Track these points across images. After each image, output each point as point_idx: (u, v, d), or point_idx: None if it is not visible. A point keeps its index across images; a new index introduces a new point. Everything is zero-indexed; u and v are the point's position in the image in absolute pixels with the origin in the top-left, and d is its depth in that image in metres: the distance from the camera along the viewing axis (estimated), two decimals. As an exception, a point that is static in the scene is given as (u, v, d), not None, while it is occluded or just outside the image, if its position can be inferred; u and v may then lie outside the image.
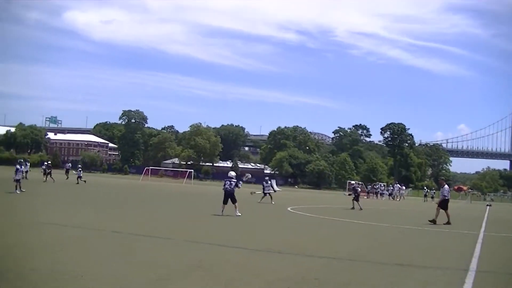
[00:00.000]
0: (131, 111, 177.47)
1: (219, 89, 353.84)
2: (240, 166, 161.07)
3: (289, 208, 34.62)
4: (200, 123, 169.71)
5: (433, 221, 27.19)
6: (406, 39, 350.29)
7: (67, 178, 64.46)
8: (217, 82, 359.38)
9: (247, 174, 39.44)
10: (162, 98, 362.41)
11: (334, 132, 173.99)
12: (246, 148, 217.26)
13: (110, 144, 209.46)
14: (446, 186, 29.43)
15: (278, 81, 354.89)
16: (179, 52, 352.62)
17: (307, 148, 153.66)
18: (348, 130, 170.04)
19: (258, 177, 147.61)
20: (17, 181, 33.68)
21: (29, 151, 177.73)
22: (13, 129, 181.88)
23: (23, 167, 37.14)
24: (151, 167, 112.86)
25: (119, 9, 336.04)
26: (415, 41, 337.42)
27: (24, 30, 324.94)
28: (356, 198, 40.34)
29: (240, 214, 24.75)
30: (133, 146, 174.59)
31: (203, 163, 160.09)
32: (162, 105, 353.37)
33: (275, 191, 42.47)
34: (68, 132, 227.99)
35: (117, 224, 18.51)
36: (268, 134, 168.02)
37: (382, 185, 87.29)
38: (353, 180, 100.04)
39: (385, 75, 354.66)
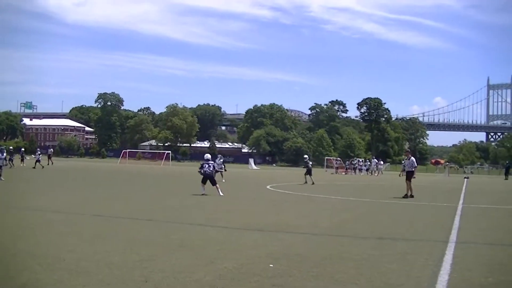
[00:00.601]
0: (107, 93, 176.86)
1: (194, 68, 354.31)
2: (217, 145, 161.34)
3: (268, 186, 34.83)
4: (177, 104, 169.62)
5: (406, 196, 27.21)
6: (381, 12, 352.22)
7: (52, 163, 64.73)
8: (192, 61, 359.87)
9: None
10: (138, 79, 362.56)
11: (311, 109, 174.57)
12: (223, 128, 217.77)
13: (87, 128, 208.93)
14: (412, 158, 29.12)
15: (253, 58, 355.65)
16: (153, 32, 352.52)
17: (284, 125, 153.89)
18: (325, 106, 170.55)
19: (236, 156, 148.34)
20: None
21: (4, 137, 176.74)
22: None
23: (5, 154, 37.07)
24: (128, 150, 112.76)
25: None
26: (389, 14, 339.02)
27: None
28: (309, 172, 40.98)
29: (222, 195, 25.16)
30: (110, 129, 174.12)
31: (181, 144, 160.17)
32: (138, 87, 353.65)
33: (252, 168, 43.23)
34: (44, 117, 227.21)
35: (97, 207, 18.54)
36: (244, 113, 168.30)
37: (360, 160, 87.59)
38: (331, 157, 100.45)
39: (360, 50, 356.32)
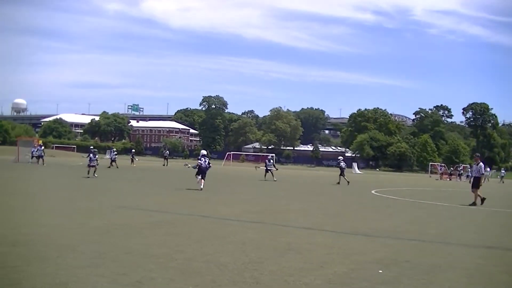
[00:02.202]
0: (211, 96, 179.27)
1: (297, 72, 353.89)
2: (320, 149, 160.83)
3: (373, 191, 34.47)
4: (280, 107, 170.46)
5: (482, 200, 25.68)
6: (486, 15, 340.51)
7: (166, 165, 66.22)
8: (296, 65, 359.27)
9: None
10: (242, 82, 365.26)
11: (415, 114, 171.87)
12: (327, 131, 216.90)
13: (191, 130, 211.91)
14: (481, 163, 27.24)
15: (356, 62, 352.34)
16: (257, 36, 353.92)
17: (388, 130, 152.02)
18: (429, 111, 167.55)
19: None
20: (92, 166, 36.19)
21: (112, 138, 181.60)
22: (97, 118, 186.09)
23: (97, 156, 38.47)
24: (232, 152, 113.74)
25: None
26: (496, 16, 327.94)
27: (104, 21, 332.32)
28: (342, 173, 43.64)
29: (202, 188, 27.88)
30: (214, 131, 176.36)
31: (284, 147, 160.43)
32: (241, 90, 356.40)
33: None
34: (149, 119, 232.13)
35: (204, 209, 18.79)
36: (348, 117, 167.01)
37: (468, 166, 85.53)
38: (436, 162, 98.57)
39: (465, 54, 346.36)
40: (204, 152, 31.06)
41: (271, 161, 46.68)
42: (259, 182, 42.36)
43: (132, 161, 65.11)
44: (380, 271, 9.14)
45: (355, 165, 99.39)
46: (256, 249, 10.82)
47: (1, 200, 18.89)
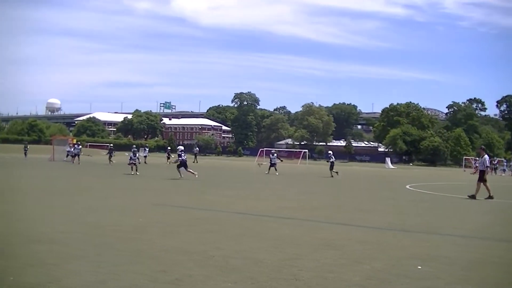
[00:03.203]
0: (243, 93, 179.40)
1: (329, 68, 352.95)
2: (353, 144, 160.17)
3: (407, 186, 34.27)
4: (312, 103, 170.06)
5: (490, 197, 25.10)
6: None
7: (196, 161, 66.56)
8: (327, 61, 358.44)
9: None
10: (273, 79, 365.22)
11: (448, 107, 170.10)
12: (359, 127, 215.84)
13: (224, 127, 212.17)
14: (486, 156, 26.87)
15: (388, 57, 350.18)
16: (288, 33, 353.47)
17: (421, 124, 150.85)
18: (462, 105, 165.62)
19: (372, 155, 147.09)
20: (133, 164, 38.38)
21: (145, 136, 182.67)
22: (130, 116, 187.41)
23: (137, 154, 40.39)
24: (265, 148, 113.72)
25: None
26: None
27: (134, 20, 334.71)
28: (331, 167, 45.16)
29: (182, 176, 32.86)
30: (246, 128, 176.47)
31: (317, 143, 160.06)
32: (273, 86, 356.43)
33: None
34: (182, 117, 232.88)
35: (240, 206, 18.87)
36: (380, 112, 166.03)
37: (504, 160, 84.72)
38: (470, 156, 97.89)
39: (498, 46, 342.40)
40: (182, 147, 36.87)
41: (275, 155, 49.02)
42: (291, 178, 42.35)
43: (168, 158, 65.44)
44: (419, 267, 9.08)
45: (388, 160, 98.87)
46: (293, 245, 10.82)
47: (39, 199, 19.10)
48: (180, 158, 34.68)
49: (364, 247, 10.88)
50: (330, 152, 50.65)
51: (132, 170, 38.09)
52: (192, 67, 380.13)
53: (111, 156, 56.16)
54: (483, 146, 30.43)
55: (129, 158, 39.24)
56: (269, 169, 47.12)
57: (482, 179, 25.80)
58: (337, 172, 44.74)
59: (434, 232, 13.70)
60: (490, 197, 25.04)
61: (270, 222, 14.73)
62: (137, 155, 39.57)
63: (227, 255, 9.55)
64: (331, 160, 46.32)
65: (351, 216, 17.05)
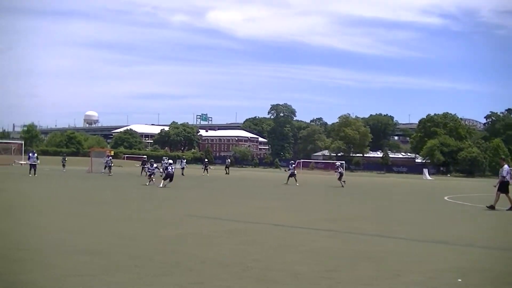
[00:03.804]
0: (279, 105, 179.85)
1: (364, 79, 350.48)
2: (390, 156, 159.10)
3: (446, 198, 33.93)
4: (349, 114, 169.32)
5: (491, 207, 24.53)
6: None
7: (228, 173, 66.84)
8: (362, 72, 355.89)
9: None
10: (309, 90, 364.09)
11: (486, 117, 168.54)
12: (396, 138, 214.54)
13: (260, 139, 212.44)
14: (506, 166, 26.03)
15: (424, 67, 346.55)
16: (322, 44, 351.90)
17: (459, 135, 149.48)
18: (501, 115, 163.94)
19: (409, 167, 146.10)
20: (150, 175, 39.03)
21: (182, 148, 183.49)
22: (167, 128, 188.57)
23: (154, 165, 40.57)
24: (301, 160, 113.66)
25: (261, 6, 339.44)
26: None
27: (170, 32, 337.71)
28: (292, 175, 46.69)
29: (161, 187, 33.63)
30: (283, 139, 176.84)
31: (353, 154, 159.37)
32: (309, 98, 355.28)
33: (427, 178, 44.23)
34: (218, 129, 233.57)
35: (275, 217, 18.78)
36: (417, 122, 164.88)
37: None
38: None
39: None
40: (170, 161, 38.91)
41: (293, 165, 49.66)
42: (327, 189, 42.23)
43: (206, 170, 65.69)
44: (459, 280, 8.95)
45: (425, 171, 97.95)
46: (330, 257, 10.77)
47: (77, 210, 19.24)
48: (167, 171, 35.46)
49: (402, 259, 10.78)
50: (292, 161, 53.26)
51: (149, 181, 38.17)
52: (228, 78, 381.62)
53: (144, 168, 56.66)
54: (503, 156, 30.06)
55: (147, 169, 40.68)
56: (288, 179, 47.37)
57: (503, 189, 25.08)
58: (344, 181, 45.80)
59: (474, 244, 13.51)
60: (491, 206, 24.53)
61: (305, 234, 14.67)
62: (154, 165, 39.80)
63: (265, 267, 9.51)
64: (339, 171, 47.77)
65: (388, 227, 16.92)
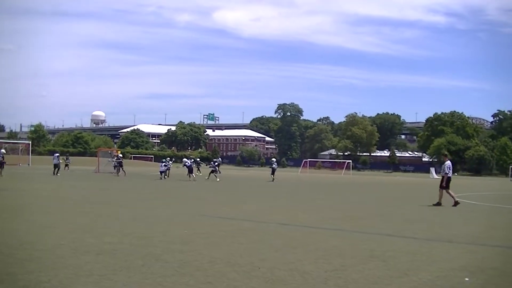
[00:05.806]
0: (286, 104, 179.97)
1: (371, 77, 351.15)
2: (397, 154, 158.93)
3: (453, 196, 33.82)
4: (356, 113, 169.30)
5: (438, 204, 25.11)
6: None
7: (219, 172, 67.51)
8: (369, 70, 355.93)
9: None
10: (316, 89, 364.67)
11: (493, 116, 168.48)
12: (403, 136, 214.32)
13: (267, 138, 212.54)
14: (448, 162, 26.62)
15: (430, 65, 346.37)
16: (328, 43, 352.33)
17: (466, 133, 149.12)
18: (508, 113, 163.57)
19: (416, 165, 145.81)
20: (162, 172, 48.59)
21: (189, 148, 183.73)
22: (173, 128, 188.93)
23: (165, 164, 49.92)
24: (308, 159, 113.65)
25: (267, 5, 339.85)
26: None
27: (176, 32, 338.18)
28: (272, 172, 53.09)
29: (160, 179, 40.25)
30: (290, 138, 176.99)
31: (360, 153, 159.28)
32: (316, 97, 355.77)
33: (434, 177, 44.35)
34: (225, 128, 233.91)
35: (283, 217, 18.80)
36: (424, 121, 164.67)
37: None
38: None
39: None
40: (165, 160, 48.75)
41: (274, 163, 56.15)
42: (335, 188, 42.18)
43: (214, 171, 65.65)
44: (467, 279, 8.94)
45: (432, 170, 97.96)
46: (338, 256, 10.76)
47: (86, 209, 19.27)
48: (165, 168, 47.27)
49: (411, 258, 10.76)
50: (273, 159, 61.40)
51: (161, 177, 47.22)
52: (234, 78, 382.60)
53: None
54: (446, 153, 30.29)
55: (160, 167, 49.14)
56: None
57: (441, 185, 25.77)
58: (273, 179, 51.18)
59: (482, 243, 13.48)
60: (437, 203, 25.19)
61: (314, 233, 14.68)
62: (163, 164, 48.74)
63: (273, 267, 9.51)
64: (273, 166, 54.54)
65: (396, 226, 16.89)
